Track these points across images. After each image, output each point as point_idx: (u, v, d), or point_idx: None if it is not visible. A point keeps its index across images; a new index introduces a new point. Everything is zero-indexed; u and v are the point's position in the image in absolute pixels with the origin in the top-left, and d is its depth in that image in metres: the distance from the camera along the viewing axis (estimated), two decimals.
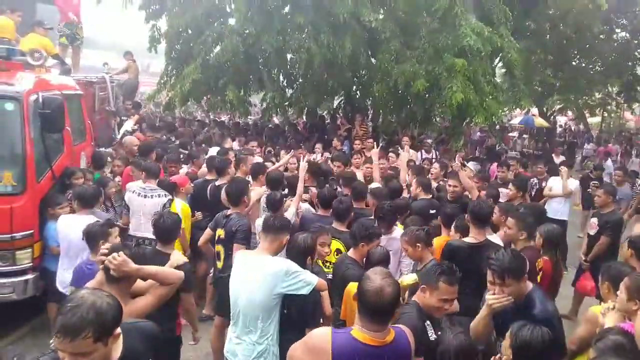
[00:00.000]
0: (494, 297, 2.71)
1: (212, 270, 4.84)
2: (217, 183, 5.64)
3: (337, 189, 5.76)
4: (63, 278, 4.38)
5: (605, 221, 5.77)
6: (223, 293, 4.03)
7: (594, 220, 5.91)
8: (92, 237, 3.72)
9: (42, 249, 4.87)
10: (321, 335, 2.34)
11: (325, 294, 3.47)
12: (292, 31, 10.05)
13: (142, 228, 5.20)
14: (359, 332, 2.26)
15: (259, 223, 4.62)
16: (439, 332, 2.64)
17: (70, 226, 4.38)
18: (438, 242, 4.15)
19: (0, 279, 4.64)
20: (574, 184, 7.83)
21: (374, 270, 2.42)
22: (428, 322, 2.72)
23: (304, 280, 3.14)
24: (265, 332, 3.14)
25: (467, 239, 3.99)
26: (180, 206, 5.20)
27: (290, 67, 11.76)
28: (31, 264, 4.77)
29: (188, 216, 5.32)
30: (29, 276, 4.75)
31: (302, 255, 3.39)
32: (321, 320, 3.41)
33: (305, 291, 3.13)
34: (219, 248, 4.31)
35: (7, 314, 4.77)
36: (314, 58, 9.51)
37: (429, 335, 2.61)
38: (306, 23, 9.62)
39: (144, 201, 5.25)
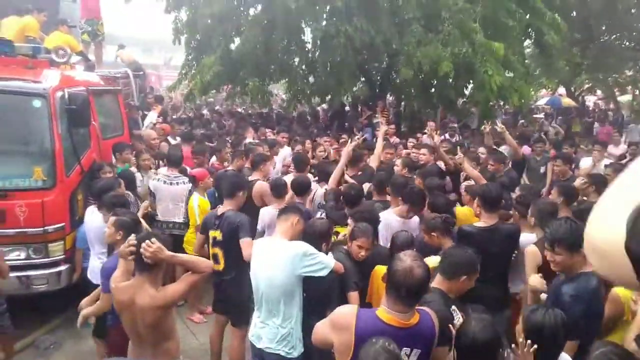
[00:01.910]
0: None
1: None
2: (250, 178, 5.38)
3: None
4: (92, 267, 4.43)
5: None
6: (226, 294, 4.09)
7: None
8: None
9: (74, 242, 5.00)
10: (346, 313, 2.38)
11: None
12: (330, 16, 9.86)
13: (169, 213, 5.60)
14: (384, 312, 2.27)
15: (262, 212, 4.71)
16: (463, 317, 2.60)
17: (92, 217, 4.49)
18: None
19: (35, 271, 4.78)
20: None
21: (404, 252, 2.43)
22: (454, 307, 2.69)
23: (322, 262, 3.18)
24: (288, 315, 3.19)
25: (477, 224, 3.90)
26: (198, 201, 5.24)
27: (311, 55, 11.70)
28: (63, 255, 4.90)
29: (206, 211, 5.15)
30: (62, 267, 4.88)
31: (318, 240, 3.41)
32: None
33: (323, 273, 3.17)
34: (216, 250, 4.03)
35: (42, 304, 4.94)
36: (354, 42, 9.31)
37: (455, 321, 2.58)
38: (342, 7, 9.40)
39: (169, 188, 5.59)
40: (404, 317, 2.25)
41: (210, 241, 4.07)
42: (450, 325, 2.44)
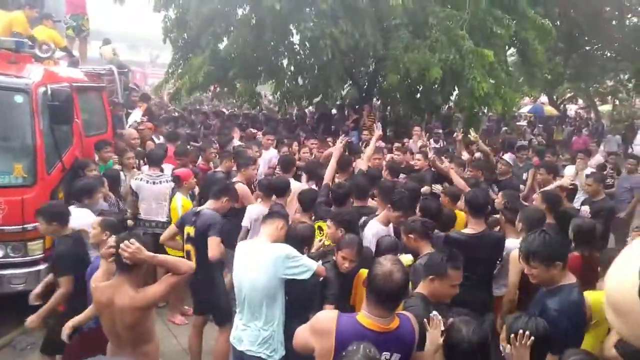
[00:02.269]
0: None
1: None
2: (233, 179, 5.49)
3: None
4: None
5: (598, 209, 5.61)
6: (199, 293, 4.12)
7: (585, 209, 5.74)
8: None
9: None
10: (327, 318, 2.38)
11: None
12: (317, 18, 9.84)
13: (152, 212, 5.61)
14: (364, 317, 2.27)
15: (250, 209, 4.80)
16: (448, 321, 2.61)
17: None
18: None
19: (13, 270, 4.69)
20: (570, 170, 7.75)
21: (384, 257, 2.44)
22: (435, 312, 2.71)
23: (305, 265, 3.20)
24: (270, 318, 3.19)
25: (465, 230, 3.96)
26: (181, 202, 5.21)
27: (299, 57, 11.69)
28: (42, 254, 4.81)
29: None
30: (41, 267, 4.78)
31: (300, 243, 3.43)
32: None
33: (305, 276, 3.19)
34: (189, 247, 4.07)
35: (20, 304, 4.83)
36: (339, 44, 9.34)
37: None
38: (328, 9, 9.39)
39: (152, 187, 5.62)
40: (384, 322, 2.26)
41: (185, 237, 4.09)
42: (425, 321, 2.43)
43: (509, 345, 2.33)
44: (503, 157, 7.08)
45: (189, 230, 4.05)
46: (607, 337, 2.77)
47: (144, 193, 5.60)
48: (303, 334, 2.45)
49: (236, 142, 7.99)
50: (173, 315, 5.36)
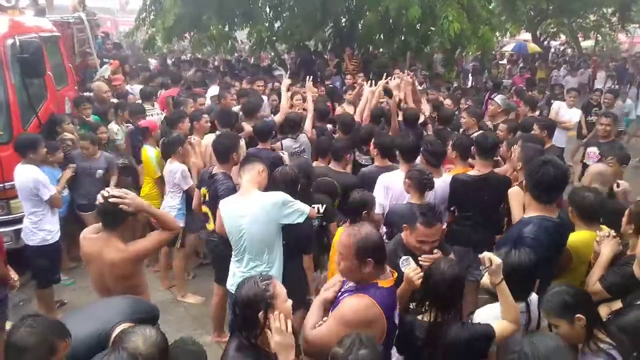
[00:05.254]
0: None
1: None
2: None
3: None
4: (24, 227, 4.33)
5: (607, 150, 5.21)
6: (218, 259, 4.02)
7: (594, 150, 5.59)
8: None
9: None
10: (362, 306, 2.15)
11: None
12: None
13: None
14: (382, 282, 2.24)
15: None
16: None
17: (20, 175, 4.28)
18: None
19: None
20: (577, 113, 7.83)
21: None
22: (405, 257, 2.79)
23: (299, 210, 3.24)
24: (271, 262, 3.27)
25: (471, 172, 4.01)
26: (153, 153, 5.16)
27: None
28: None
29: (162, 163, 5.04)
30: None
31: (291, 185, 3.45)
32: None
33: (300, 220, 3.24)
34: (206, 209, 4.04)
35: (9, 261, 4.83)
36: None
37: (403, 268, 2.64)
38: None
39: None
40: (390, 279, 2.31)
41: (202, 198, 4.11)
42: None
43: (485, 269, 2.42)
44: (494, 98, 7.01)
45: (205, 192, 4.03)
46: (590, 273, 2.88)
47: None
48: (336, 331, 2.10)
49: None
50: (182, 294, 5.01)
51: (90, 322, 2.23)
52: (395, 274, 2.35)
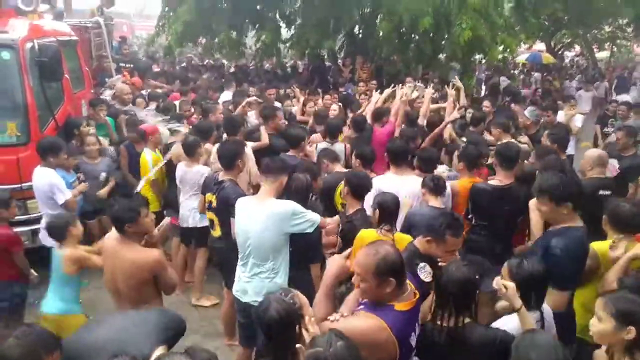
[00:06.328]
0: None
1: None
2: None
3: None
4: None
5: (629, 165, 5.15)
6: (226, 264, 3.91)
7: (614, 162, 5.24)
8: None
9: None
10: (374, 329, 2.06)
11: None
12: None
13: None
14: (399, 305, 2.14)
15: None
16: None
17: (39, 178, 4.41)
18: (461, 184, 4.12)
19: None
20: (579, 119, 7.71)
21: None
22: (422, 263, 2.68)
23: (310, 220, 3.24)
24: (276, 269, 3.27)
25: (492, 182, 3.95)
26: (151, 156, 5.21)
27: (289, 5, 11.32)
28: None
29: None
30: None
31: (304, 193, 3.49)
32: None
33: (310, 230, 3.25)
34: (211, 216, 3.97)
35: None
36: None
37: (422, 277, 2.60)
38: None
39: None
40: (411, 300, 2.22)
41: (207, 204, 4.01)
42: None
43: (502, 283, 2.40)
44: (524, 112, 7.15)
45: (211, 198, 3.91)
46: (609, 272, 2.85)
47: None
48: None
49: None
50: (198, 297, 4.99)
51: (125, 339, 2.12)
52: (417, 295, 2.25)
